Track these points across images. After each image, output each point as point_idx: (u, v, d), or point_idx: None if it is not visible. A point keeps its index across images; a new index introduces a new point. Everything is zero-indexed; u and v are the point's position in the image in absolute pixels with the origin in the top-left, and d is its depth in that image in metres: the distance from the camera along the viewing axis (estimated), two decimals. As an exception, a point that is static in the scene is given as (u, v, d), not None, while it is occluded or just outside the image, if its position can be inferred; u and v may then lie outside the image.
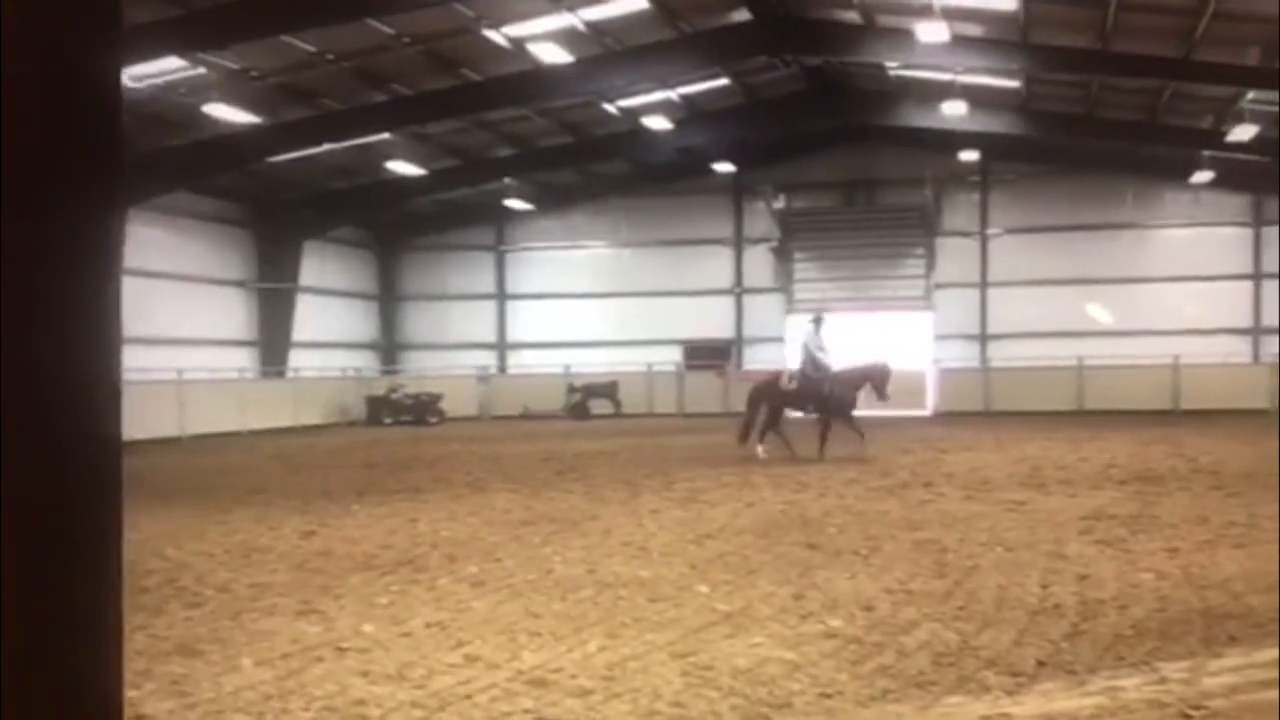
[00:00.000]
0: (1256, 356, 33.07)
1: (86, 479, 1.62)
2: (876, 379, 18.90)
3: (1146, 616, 7.13)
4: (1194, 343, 32.73)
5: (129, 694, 5.59)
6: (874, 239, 36.93)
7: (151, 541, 10.76)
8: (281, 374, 33.64)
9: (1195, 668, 5.98)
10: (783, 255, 37.62)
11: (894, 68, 28.10)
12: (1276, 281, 33.41)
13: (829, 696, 5.61)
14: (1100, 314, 34.50)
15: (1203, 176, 31.82)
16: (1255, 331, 34.10)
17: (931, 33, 22.69)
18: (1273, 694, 5.49)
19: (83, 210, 1.60)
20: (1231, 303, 33.93)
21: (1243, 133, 26.10)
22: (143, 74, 22.29)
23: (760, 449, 18.45)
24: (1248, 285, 34.26)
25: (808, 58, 28.70)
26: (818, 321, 19.70)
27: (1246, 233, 34.37)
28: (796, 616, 7.28)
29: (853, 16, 24.84)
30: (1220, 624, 6.89)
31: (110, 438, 1.68)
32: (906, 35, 23.64)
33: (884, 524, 11.16)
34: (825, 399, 18.56)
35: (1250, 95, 24.86)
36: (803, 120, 33.48)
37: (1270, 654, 6.19)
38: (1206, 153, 30.14)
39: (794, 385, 18.79)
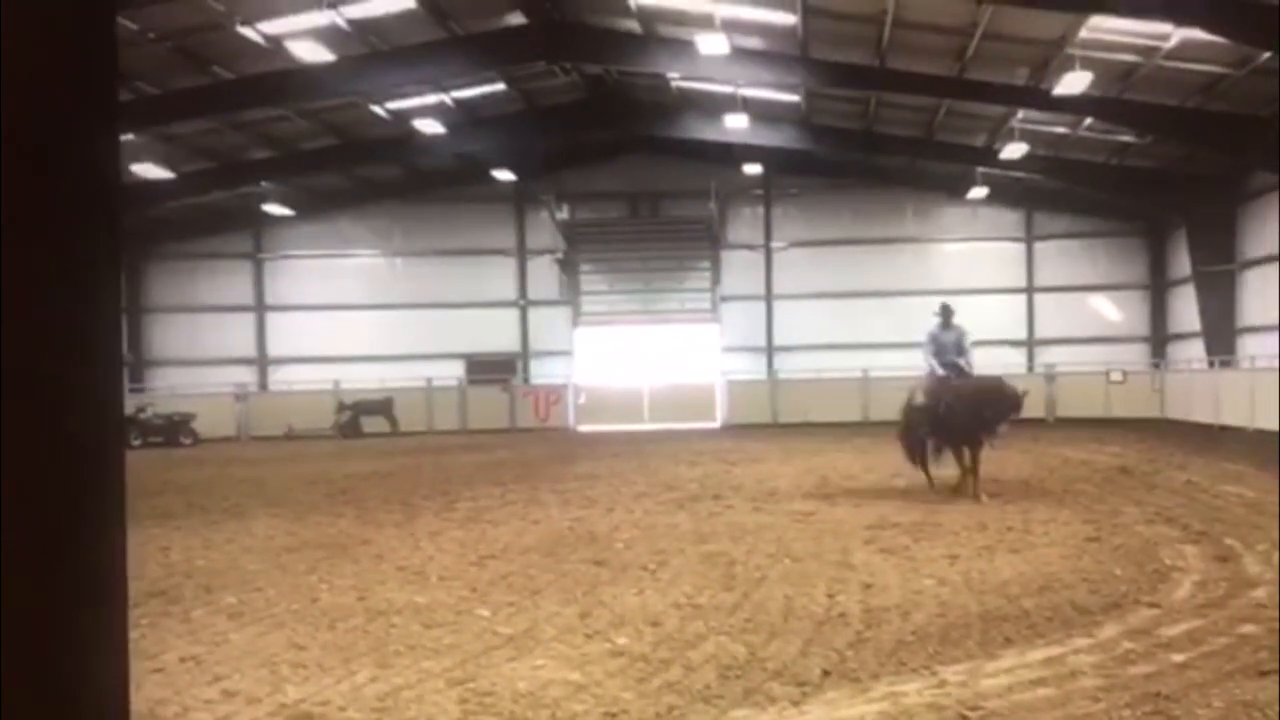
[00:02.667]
0: (1031, 367, 35.26)
1: (89, 488, 1.68)
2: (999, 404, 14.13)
3: (928, 622, 7.47)
4: (973, 354, 34.56)
5: None
6: (660, 251, 37.58)
7: None
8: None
9: (973, 670, 6.30)
10: (568, 267, 37.83)
11: (676, 79, 28.69)
12: (1049, 294, 35.99)
13: (614, 716, 5.63)
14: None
15: (978, 193, 33.80)
16: (1030, 343, 36.44)
17: (712, 45, 23.26)
18: (1045, 692, 5.84)
19: (79, 212, 1.70)
20: (1007, 315, 36.12)
21: (1014, 151, 27.87)
22: None
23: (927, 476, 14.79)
24: (1022, 298, 36.61)
25: (587, 65, 28.96)
26: (946, 312, 15.46)
27: (1020, 248, 36.72)
28: (582, 636, 7.29)
29: (632, 25, 25.20)
30: (997, 626, 7.28)
31: (113, 444, 1.73)
32: (687, 46, 24.16)
33: (672, 538, 11.33)
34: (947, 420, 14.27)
35: (1020, 115, 26.54)
36: (584, 129, 33.77)
37: (1043, 653, 6.59)
38: (981, 169, 32.03)
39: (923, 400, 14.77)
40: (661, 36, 25.42)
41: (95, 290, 1.68)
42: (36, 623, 1.55)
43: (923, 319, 35.16)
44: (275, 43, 22.93)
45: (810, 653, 6.76)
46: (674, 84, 29.33)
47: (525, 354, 38.13)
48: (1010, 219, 36.72)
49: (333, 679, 6.36)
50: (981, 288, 35.37)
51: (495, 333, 37.88)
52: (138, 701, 5.85)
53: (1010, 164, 29.40)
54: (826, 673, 6.31)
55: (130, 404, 33.05)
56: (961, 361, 14.98)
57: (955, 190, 34.91)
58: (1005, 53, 22.82)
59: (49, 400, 1.59)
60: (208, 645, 7.24)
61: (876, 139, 31.40)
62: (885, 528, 11.64)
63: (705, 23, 23.47)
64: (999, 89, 24.73)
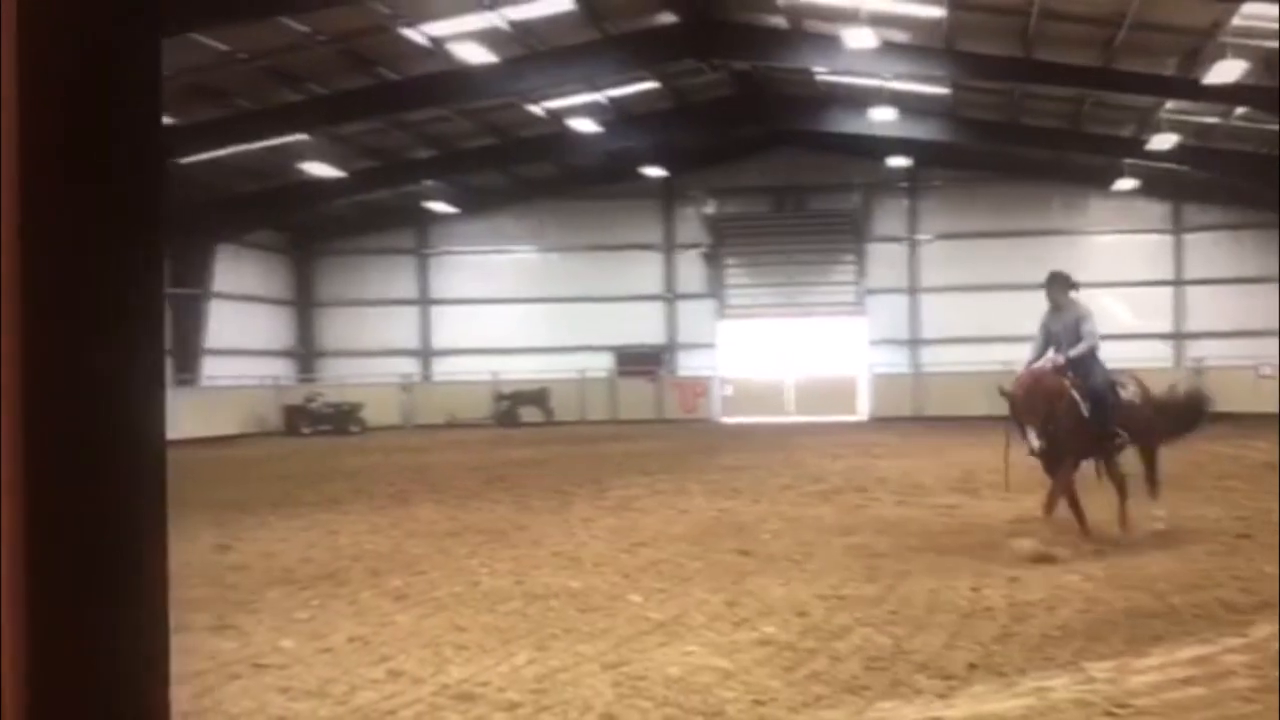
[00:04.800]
0: (1179, 361, 33.93)
1: (131, 484, 1.63)
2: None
3: (1074, 617, 7.29)
4: (1121, 348, 33.43)
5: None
6: (805, 244, 37.30)
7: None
8: (194, 383, 33.03)
9: (1121, 667, 6.12)
10: (714, 261, 37.84)
11: (822, 73, 28.42)
12: (1198, 288, 34.51)
13: (762, 704, 5.65)
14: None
15: (1125, 184, 32.62)
16: (1177, 336, 35.06)
17: (858, 39, 22.99)
18: (1196, 691, 5.65)
19: (122, 194, 1.66)
20: (1155, 308, 34.81)
21: (1163, 141, 26.81)
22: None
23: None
24: (1169, 291, 35.24)
25: (735, 62, 28.91)
26: (1053, 288, 11.05)
27: (1168, 240, 35.35)
28: (730, 624, 7.32)
29: (779, 21, 25.08)
30: (1145, 624, 7.06)
31: (155, 439, 1.69)
32: (833, 41, 23.92)
33: (817, 529, 11.27)
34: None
35: (1169, 105, 25.54)
36: (732, 125, 33.71)
37: (1193, 652, 6.37)
38: (1128, 161, 30.91)
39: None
40: (808, 32, 25.23)
41: (136, 276, 1.63)
42: (73, 625, 1.50)
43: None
44: (438, 44, 23.48)
45: (956, 646, 6.66)
46: (819, 78, 29.08)
47: (672, 347, 38.28)
48: (1158, 211, 35.37)
49: (493, 660, 6.52)
50: (1128, 280, 34.17)
51: (643, 326, 38.13)
52: (306, 680, 6.12)
53: (1159, 155, 28.28)
54: (973, 666, 6.22)
55: (301, 394, 34.36)
56: (1055, 355, 10.70)
57: (1102, 182, 33.75)
58: (1154, 42, 21.98)
59: (84, 396, 1.53)
60: (374, 626, 7.48)
61: (1022, 131, 30.57)
62: (1030, 522, 11.36)
63: (851, 17, 23.19)
64: (1147, 79, 23.83)
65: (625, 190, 37.55)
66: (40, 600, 1.45)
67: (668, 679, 6.05)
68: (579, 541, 10.87)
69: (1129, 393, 11.10)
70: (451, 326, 39.16)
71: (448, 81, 25.41)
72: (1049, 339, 10.80)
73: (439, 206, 37.27)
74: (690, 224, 38.19)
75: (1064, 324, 10.73)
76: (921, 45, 24.64)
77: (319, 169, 30.39)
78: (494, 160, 34.02)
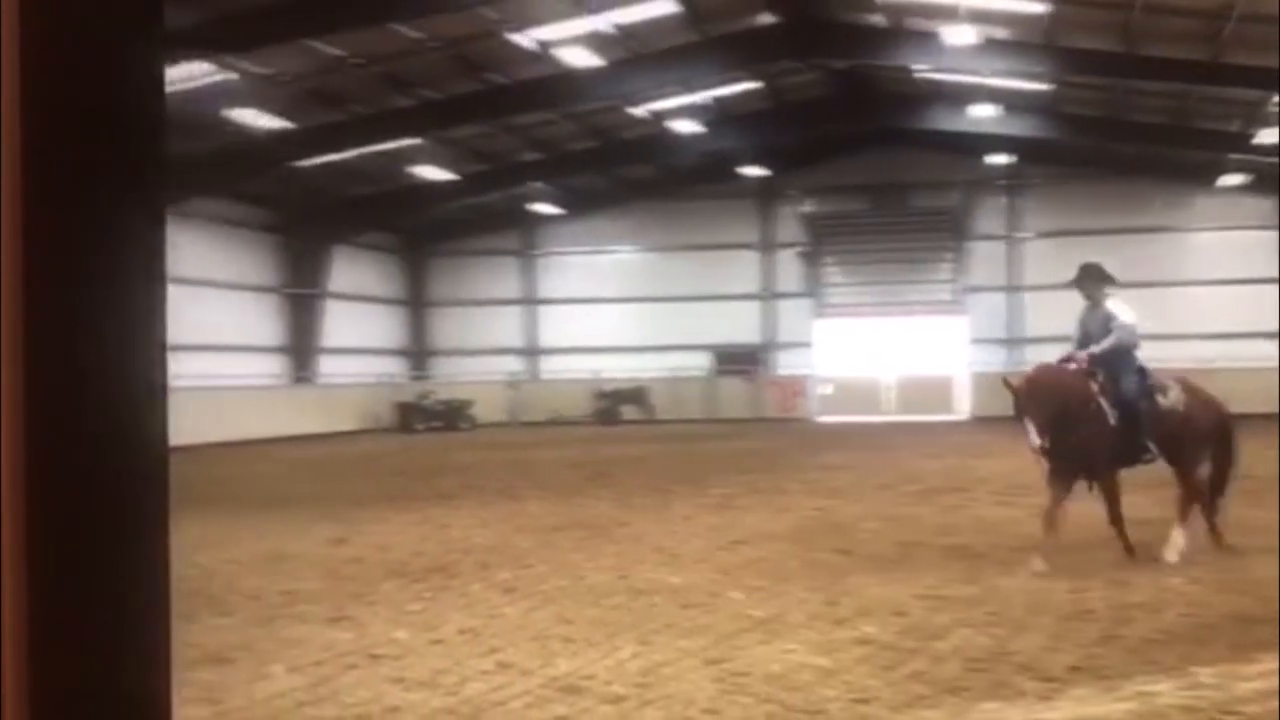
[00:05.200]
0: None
1: (133, 488, 1.58)
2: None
3: (1177, 621, 7.10)
4: (1224, 347, 32.46)
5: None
6: (903, 243, 36.84)
7: (181, 549, 10.71)
8: (311, 380, 33.85)
9: (1227, 673, 5.94)
10: (811, 260, 37.57)
11: (921, 71, 28.05)
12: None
13: (863, 702, 5.61)
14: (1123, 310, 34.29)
15: (1231, 180, 31.57)
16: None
17: (958, 36, 22.67)
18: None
19: (123, 193, 1.59)
20: (1260, 307, 33.60)
21: (1271, 135, 25.89)
22: (170, 79, 22.44)
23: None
24: (1275, 289, 33.95)
25: (834, 61, 28.69)
26: (1084, 283, 10.18)
27: (1275, 236, 34.08)
28: (829, 622, 7.27)
29: (878, 19, 24.82)
30: (1250, 629, 6.83)
31: (157, 448, 1.63)
32: (933, 38, 23.61)
33: (916, 529, 11.13)
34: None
35: (1277, 99, 24.66)
36: (830, 124, 33.48)
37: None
38: (1234, 156, 29.91)
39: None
40: (908, 29, 24.94)
41: (138, 274, 1.57)
42: (74, 626, 1.47)
43: (1176, 309, 33.46)
44: (544, 49, 23.72)
45: (1057, 648, 6.54)
46: (918, 76, 28.70)
47: (769, 346, 38.10)
48: (1265, 206, 34.08)
49: (598, 654, 6.57)
50: (1233, 278, 33.08)
51: (741, 325, 38.02)
52: (419, 670, 6.24)
53: (1266, 150, 27.29)
54: (1075, 669, 6.10)
55: (413, 391, 34.97)
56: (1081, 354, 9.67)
57: (1206, 178, 32.70)
58: (1262, 35, 21.21)
59: (86, 394, 1.49)
60: (484, 619, 7.58)
61: (1124, 126, 29.79)
62: (1133, 524, 11.07)
63: (951, 14, 22.85)
64: (1255, 72, 22.98)
65: (724, 190, 37.48)
66: (41, 601, 1.43)
67: (769, 676, 6.05)
68: (679, 538, 10.89)
69: (1170, 400, 9.66)
70: (555, 326, 39.52)
71: (554, 85, 25.67)
72: (1085, 337, 9.83)
73: (544, 208, 37.66)
74: (788, 223, 37.99)
75: (1098, 321, 9.80)
76: (1022, 41, 24.17)
77: (430, 172, 30.93)
78: (597, 162, 34.28)
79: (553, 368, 38.87)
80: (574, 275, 39.44)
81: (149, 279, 1.57)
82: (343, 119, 26.64)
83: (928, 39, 24.20)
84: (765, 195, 38.05)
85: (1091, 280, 10.01)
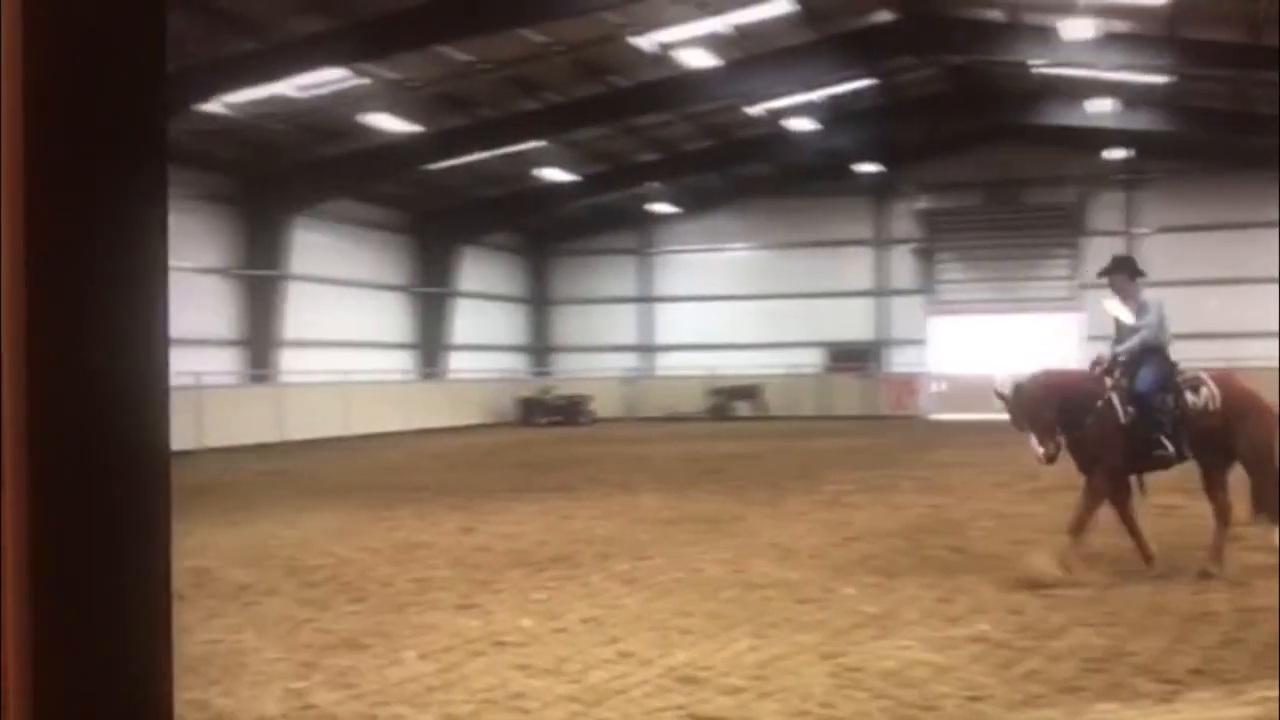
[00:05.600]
0: None
1: (132, 495, 1.54)
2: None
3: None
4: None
5: (296, 685, 5.88)
6: (1018, 238, 36.03)
7: (316, 539, 11.19)
8: (440, 376, 34.59)
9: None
10: (926, 256, 37.01)
11: (1038, 65, 27.39)
12: None
13: (978, 700, 5.55)
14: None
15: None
16: None
17: (1076, 30, 22.09)
18: None
19: (125, 190, 1.52)
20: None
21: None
22: (307, 84, 23.17)
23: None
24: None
25: (951, 57, 28.21)
26: (1128, 269, 9.86)
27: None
28: (943, 620, 7.21)
29: (996, 15, 24.34)
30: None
31: (158, 448, 1.60)
32: (1051, 32, 23.05)
33: (1030, 527, 10.92)
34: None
35: None
36: (946, 120, 32.95)
37: None
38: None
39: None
40: (1025, 24, 24.37)
41: (139, 276, 1.51)
42: (76, 627, 1.45)
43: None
44: (664, 51, 23.83)
45: (1177, 650, 6.37)
46: (1035, 70, 28.02)
47: (883, 343, 37.65)
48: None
49: (715, 645, 6.62)
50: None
51: (854, 322, 37.63)
52: (543, 658, 6.36)
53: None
54: (1195, 671, 5.94)
55: (535, 386, 35.46)
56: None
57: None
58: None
59: (86, 396, 1.45)
60: (605, 608, 7.69)
61: (1248, 119, 28.59)
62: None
63: (1070, 8, 22.25)
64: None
65: (838, 187, 37.12)
66: (43, 602, 1.41)
67: (883, 671, 6.03)
68: (793, 534, 10.87)
69: (1201, 398, 8.89)
70: (671, 323, 39.66)
71: (673, 87, 25.81)
72: (1120, 334, 9.41)
73: (661, 207, 37.82)
74: (903, 219, 37.48)
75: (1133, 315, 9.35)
76: (1142, 34, 23.43)
77: (553, 174, 31.28)
78: (713, 161, 34.29)
79: (668, 364, 39.01)
80: (690, 273, 39.51)
81: (151, 275, 1.53)
82: (471, 123, 27.13)
83: (1046, 33, 23.60)
84: (880, 192, 37.58)
85: (1123, 274, 9.63)
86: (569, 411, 33.18)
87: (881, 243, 37.86)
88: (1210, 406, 8.87)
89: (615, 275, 40.25)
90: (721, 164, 34.97)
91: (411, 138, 26.51)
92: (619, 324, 40.04)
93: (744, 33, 23.97)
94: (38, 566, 1.41)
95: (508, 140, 28.31)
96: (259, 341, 28.63)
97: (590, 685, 5.87)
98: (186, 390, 23.57)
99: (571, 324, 40.75)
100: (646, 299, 40.17)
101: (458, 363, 35.48)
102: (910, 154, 35.81)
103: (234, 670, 6.27)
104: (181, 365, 24.74)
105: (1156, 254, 34.38)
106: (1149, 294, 9.56)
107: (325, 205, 29.64)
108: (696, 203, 38.49)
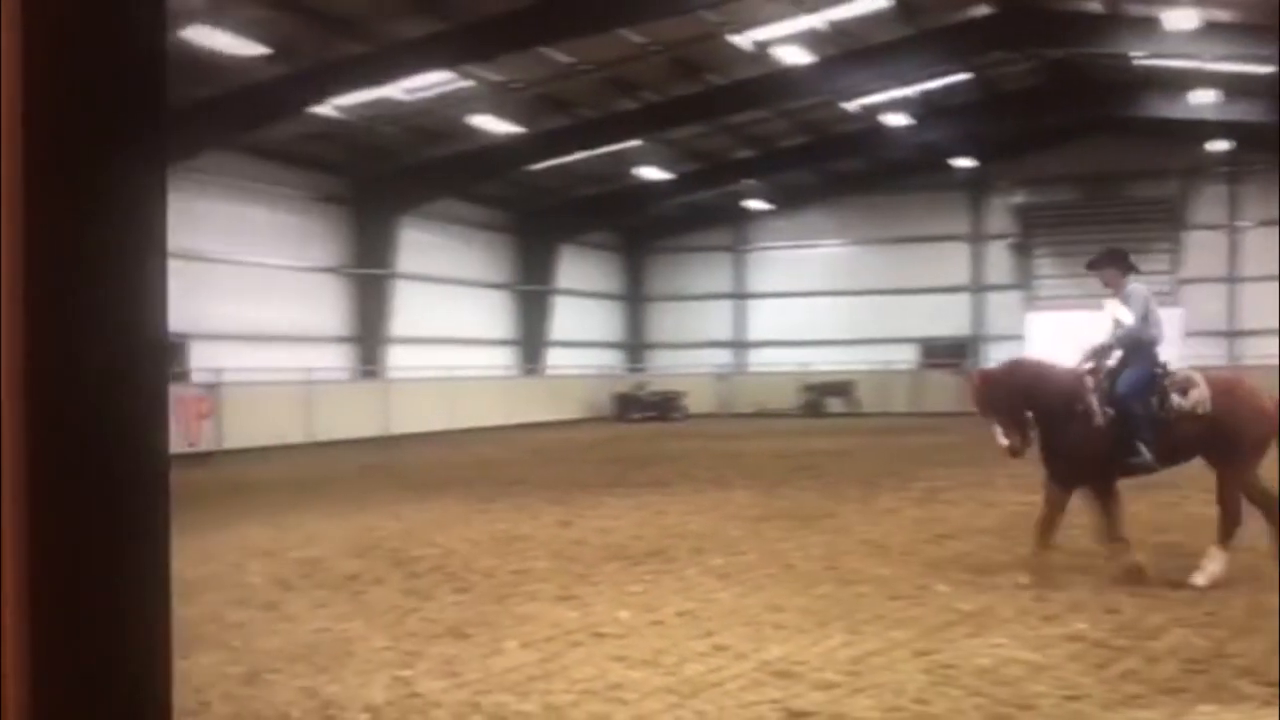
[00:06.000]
0: None
1: (132, 497, 1.50)
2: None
3: None
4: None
5: (403, 673, 6.01)
6: (1118, 233, 34.88)
7: (421, 530, 11.40)
8: (538, 372, 34.95)
9: None
10: (1021, 251, 36.27)
11: (1138, 57, 26.65)
12: None
13: (1074, 699, 5.45)
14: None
15: None
16: None
17: (1179, 20, 21.45)
18: None
19: (125, 188, 1.47)
20: None
21: None
22: (413, 87, 23.59)
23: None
24: None
25: (1049, 50, 27.58)
26: (1117, 262, 9.32)
27: None
28: (1038, 618, 7.08)
29: (1095, 6, 23.76)
30: None
31: (158, 449, 1.56)
32: (1152, 23, 22.42)
33: (1129, 525, 10.62)
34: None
35: None
36: (1043, 113, 32.21)
37: None
38: None
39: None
40: (1125, 15, 23.72)
41: (140, 276, 1.46)
42: (75, 628, 1.43)
43: None
44: (761, 49, 23.74)
45: (1281, 653, 6.17)
46: (1136, 62, 27.27)
47: (978, 339, 36.99)
48: None
49: (808, 640, 6.60)
50: None
51: (949, 318, 37.04)
52: (640, 649, 6.40)
53: None
54: (1301, 675, 5.74)
55: (629, 382, 35.60)
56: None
57: None
58: None
59: (86, 397, 1.41)
60: (699, 602, 7.71)
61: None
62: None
63: (1171, -2, 21.65)
64: None
65: (933, 182, 36.60)
66: (41, 604, 1.38)
67: (978, 669, 5.95)
68: (885, 530, 10.76)
69: (1190, 400, 8.28)
70: (764, 319, 39.49)
71: (769, 84, 25.72)
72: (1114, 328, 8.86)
73: (755, 204, 37.67)
74: (998, 214, 36.80)
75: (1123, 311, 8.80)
76: (1245, 23, 22.63)
77: (650, 172, 31.37)
78: (808, 158, 34.06)
79: (761, 360, 38.84)
80: (783, 269, 39.30)
81: (151, 274, 1.49)
82: (571, 123, 27.35)
83: (1147, 24, 22.97)
84: (976, 187, 36.95)
85: (1112, 266, 9.02)
86: (662, 407, 33.24)
87: (977, 238, 37.21)
88: (1200, 410, 8.26)
89: (709, 272, 40.22)
90: (816, 160, 34.69)
91: (514, 138, 26.82)
92: (712, 320, 40.02)
93: (839, 29, 23.77)
94: (36, 569, 1.39)
95: (606, 140, 28.48)
96: (368, 338, 29.26)
97: (686, 677, 5.89)
98: (297, 385, 24.18)
99: (666, 320, 40.83)
100: (740, 295, 40.07)
101: (556, 359, 35.80)
102: (1006, 148, 35.12)
103: (342, 658, 6.43)
104: (293, 361, 25.42)
105: (1258, 248, 33.34)
106: (1135, 287, 8.91)
107: (431, 205, 30.16)
108: (790, 199, 38.26)
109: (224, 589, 8.52)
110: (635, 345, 41.11)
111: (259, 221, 26.88)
